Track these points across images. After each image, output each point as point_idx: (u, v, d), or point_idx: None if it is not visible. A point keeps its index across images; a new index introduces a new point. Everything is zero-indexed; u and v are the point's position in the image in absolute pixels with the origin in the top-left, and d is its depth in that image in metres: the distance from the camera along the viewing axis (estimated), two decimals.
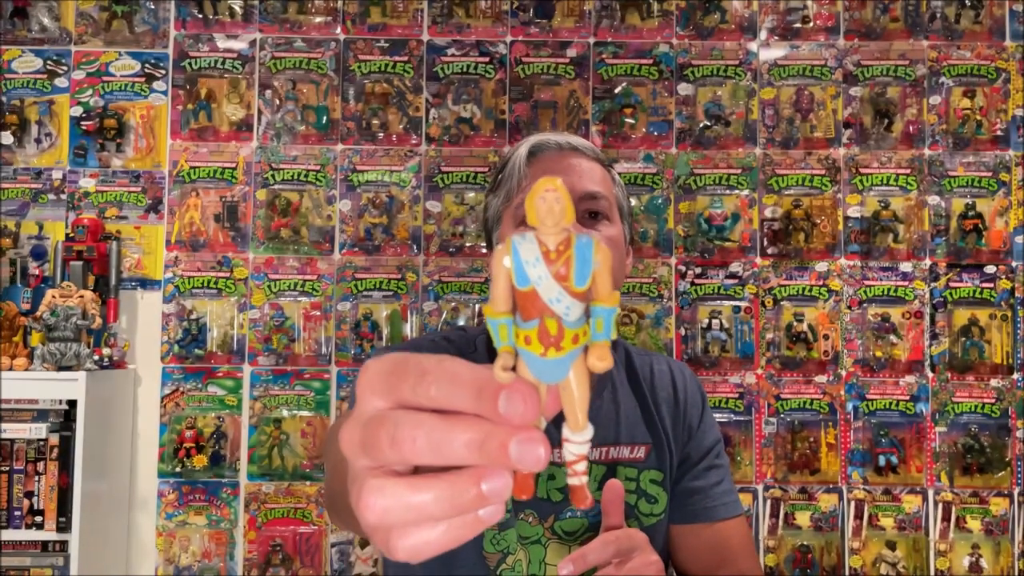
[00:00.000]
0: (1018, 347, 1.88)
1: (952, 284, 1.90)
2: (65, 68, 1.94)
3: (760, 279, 1.92)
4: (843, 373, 1.89)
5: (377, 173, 1.93)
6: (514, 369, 0.32)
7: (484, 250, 1.92)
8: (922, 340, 1.89)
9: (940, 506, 1.85)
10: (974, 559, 1.84)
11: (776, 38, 1.97)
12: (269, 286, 1.90)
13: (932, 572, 1.84)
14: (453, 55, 1.96)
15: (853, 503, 1.86)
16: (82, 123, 1.93)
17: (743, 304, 1.91)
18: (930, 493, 1.86)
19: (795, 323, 1.90)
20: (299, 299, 1.91)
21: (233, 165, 1.93)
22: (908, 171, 1.93)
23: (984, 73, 1.94)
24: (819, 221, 1.93)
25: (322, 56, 1.95)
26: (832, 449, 1.88)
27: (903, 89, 1.95)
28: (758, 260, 1.92)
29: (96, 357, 1.72)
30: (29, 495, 1.66)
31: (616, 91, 1.96)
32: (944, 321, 1.89)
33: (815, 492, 1.87)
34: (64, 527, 1.64)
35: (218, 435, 1.87)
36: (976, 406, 1.87)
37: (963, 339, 1.89)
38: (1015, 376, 1.88)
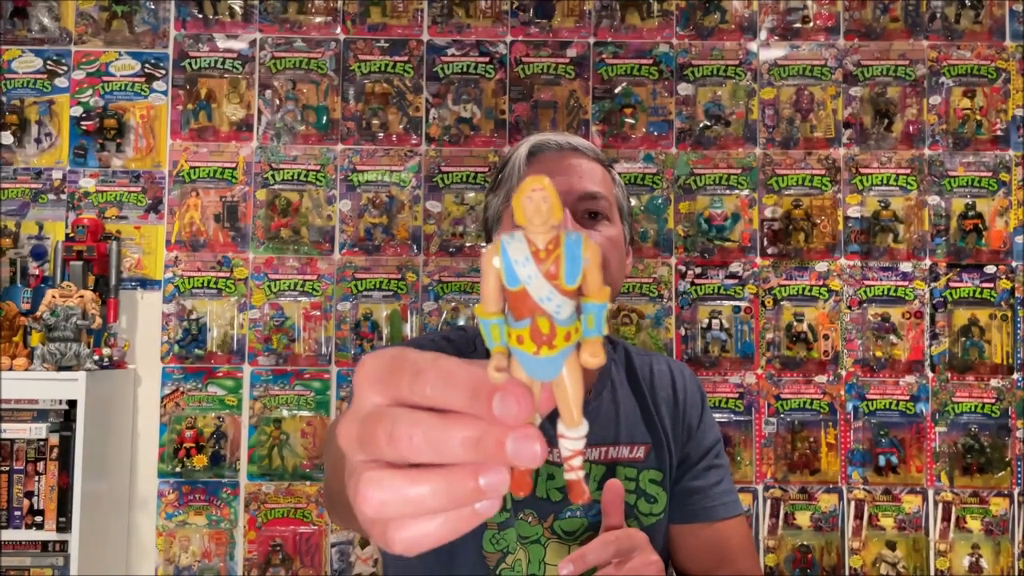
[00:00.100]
0: (1018, 347, 1.88)
1: (952, 284, 1.90)
2: (65, 68, 1.94)
3: (760, 279, 1.92)
4: (843, 373, 1.89)
5: (377, 173, 1.93)
6: (508, 368, 0.32)
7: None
8: (922, 340, 1.89)
9: (940, 506, 1.85)
10: (974, 559, 1.84)
11: (776, 38, 1.97)
12: (269, 286, 1.90)
13: (932, 572, 1.84)
14: (453, 55, 1.96)
15: (853, 503, 1.86)
16: (82, 123, 1.93)
17: (743, 304, 1.91)
18: (930, 493, 1.86)
19: (795, 323, 1.90)
20: (299, 299, 1.91)
21: (233, 165, 1.93)
22: (908, 171, 1.93)
23: (984, 73, 1.94)
24: (819, 221, 1.93)
25: (322, 56, 1.95)
26: (832, 449, 1.87)
27: (903, 89, 1.95)
28: (758, 260, 1.92)
29: (96, 357, 1.72)
30: (29, 495, 1.66)
31: (616, 91, 1.96)
32: (944, 321, 1.89)
33: (815, 492, 1.87)
34: (64, 527, 1.64)
35: (218, 435, 1.87)
36: (976, 406, 1.86)
37: (963, 339, 1.89)
38: (1015, 376, 1.87)
